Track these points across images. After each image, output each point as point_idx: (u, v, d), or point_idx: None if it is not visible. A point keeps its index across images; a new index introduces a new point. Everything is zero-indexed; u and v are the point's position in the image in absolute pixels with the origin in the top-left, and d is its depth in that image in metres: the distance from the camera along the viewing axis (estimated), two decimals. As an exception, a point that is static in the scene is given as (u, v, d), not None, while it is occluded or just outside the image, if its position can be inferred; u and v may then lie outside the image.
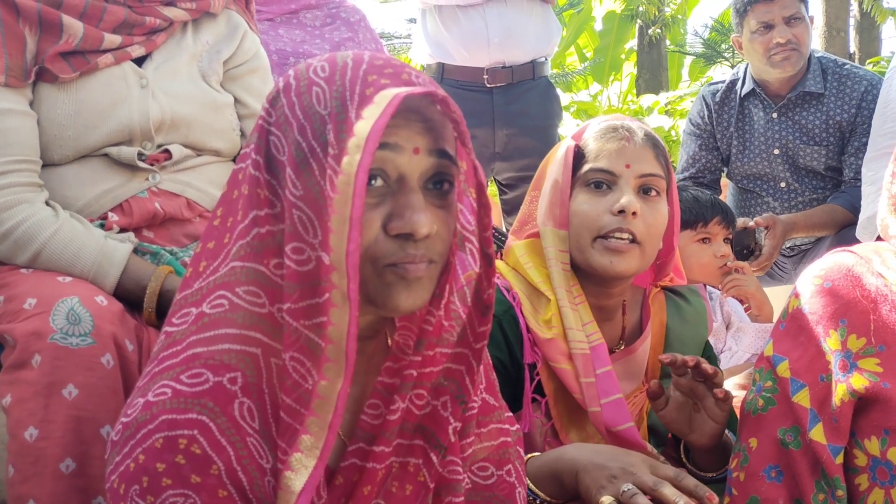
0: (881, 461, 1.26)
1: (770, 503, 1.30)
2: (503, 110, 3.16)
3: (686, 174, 3.22)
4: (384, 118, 0.90)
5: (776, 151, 3.07)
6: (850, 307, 1.29)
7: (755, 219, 2.88)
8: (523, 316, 1.52)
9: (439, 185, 0.98)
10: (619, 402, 1.51)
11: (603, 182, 1.52)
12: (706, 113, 3.21)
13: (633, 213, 1.48)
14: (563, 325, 1.52)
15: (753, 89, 3.12)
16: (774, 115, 3.07)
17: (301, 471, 0.90)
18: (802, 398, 1.30)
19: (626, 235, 1.49)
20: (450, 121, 0.98)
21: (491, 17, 3.12)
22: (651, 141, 1.54)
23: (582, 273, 1.55)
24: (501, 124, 3.16)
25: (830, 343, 1.29)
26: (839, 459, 1.27)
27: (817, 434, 1.28)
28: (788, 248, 3.17)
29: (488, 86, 3.15)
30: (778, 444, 1.31)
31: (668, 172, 1.56)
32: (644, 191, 1.52)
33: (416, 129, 0.96)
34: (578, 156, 1.55)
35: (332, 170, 0.90)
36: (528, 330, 1.52)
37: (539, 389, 1.53)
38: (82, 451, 1.36)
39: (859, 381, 1.26)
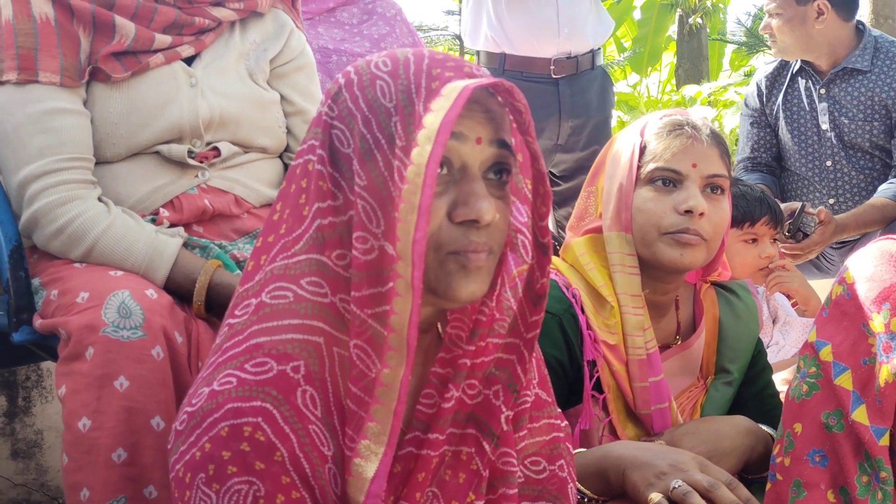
0: None
1: (812, 487, 1.31)
2: (569, 101, 3.09)
3: (744, 155, 3.18)
4: (455, 109, 0.91)
5: (824, 126, 3.05)
6: (893, 290, 1.29)
7: (818, 208, 2.83)
8: (584, 314, 1.51)
9: (498, 174, 1.00)
10: (667, 411, 1.52)
11: (669, 180, 1.50)
12: (756, 92, 3.21)
13: (701, 214, 1.47)
14: (624, 330, 1.51)
15: (802, 67, 3.10)
16: (823, 90, 3.05)
17: (371, 458, 0.92)
18: (845, 381, 1.31)
19: (693, 235, 1.48)
20: (511, 111, 1.00)
21: (563, 6, 3.04)
22: (716, 139, 1.52)
23: (641, 267, 1.53)
24: (567, 115, 3.10)
25: (873, 326, 1.30)
26: (883, 441, 1.27)
27: (860, 415, 1.28)
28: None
29: (554, 77, 3.08)
30: (822, 427, 1.32)
31: (729, 169, 1.55)
32: (710, 189, 1.51)
33: (478, 120, 0.97)
34: (640, 151, 1.54)
35: (399, 161, 0.92)
36: (589, 327, 1.51)
37: (597, 386, 1.52)
38: (133, 441, 1.39)
39: None
